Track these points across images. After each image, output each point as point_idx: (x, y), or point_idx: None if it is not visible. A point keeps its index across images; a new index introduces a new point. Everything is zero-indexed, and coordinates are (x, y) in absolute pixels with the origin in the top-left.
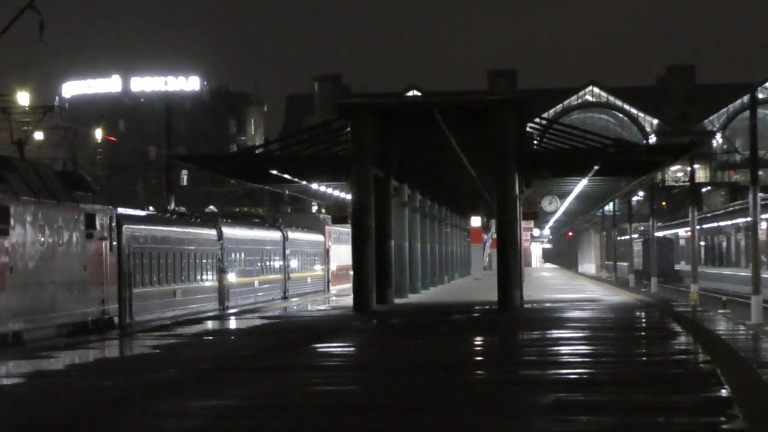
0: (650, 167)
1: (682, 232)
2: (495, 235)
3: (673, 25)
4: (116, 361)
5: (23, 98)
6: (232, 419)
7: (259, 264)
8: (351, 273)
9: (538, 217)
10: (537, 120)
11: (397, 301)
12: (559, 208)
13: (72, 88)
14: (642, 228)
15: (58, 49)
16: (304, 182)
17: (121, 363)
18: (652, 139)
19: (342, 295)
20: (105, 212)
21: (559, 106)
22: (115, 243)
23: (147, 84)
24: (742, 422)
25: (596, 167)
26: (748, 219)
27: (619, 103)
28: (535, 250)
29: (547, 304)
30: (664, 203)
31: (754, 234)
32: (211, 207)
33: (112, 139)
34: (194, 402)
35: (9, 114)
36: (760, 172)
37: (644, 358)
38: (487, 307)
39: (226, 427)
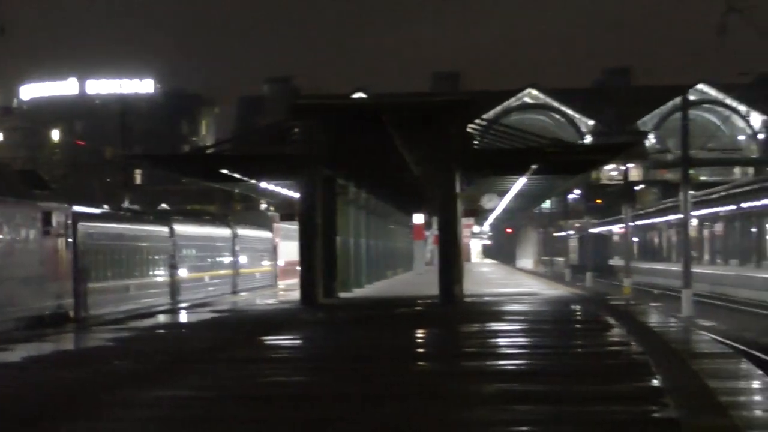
0: (586, 166)
1: (616, 228)
2: (437, 232)
3: (611, 29)
4: (73, 353)
5: None
6: (187, 409)
7: (209, 260)
8: (298, 268)
9: (478, 214)
10: (478, 121)
11: (342, 295)
12: (498, 205)
13: (30, 91)
14: (578, 225)
15: (16, 53)
16: (254, 181)
17: (77, 355)
18: (588, 139)
19: (290, 290)
20: (61, 210)
21: (499, 108)
22: (71, 240)
23: (102, 86)
24: (674, 411)
25: (534, 166)
26: (679, 216)
27: (556, 104)
28: (476, 246)
29: (487, 298)
30: (599, 201)
31: (684, 230)
32: (164, 205)
33: (81, 143)
34: (150, 393)
35: None
36: (691, 171)
37: (580, 350)
38: (429, 300)
39: (181, 416)
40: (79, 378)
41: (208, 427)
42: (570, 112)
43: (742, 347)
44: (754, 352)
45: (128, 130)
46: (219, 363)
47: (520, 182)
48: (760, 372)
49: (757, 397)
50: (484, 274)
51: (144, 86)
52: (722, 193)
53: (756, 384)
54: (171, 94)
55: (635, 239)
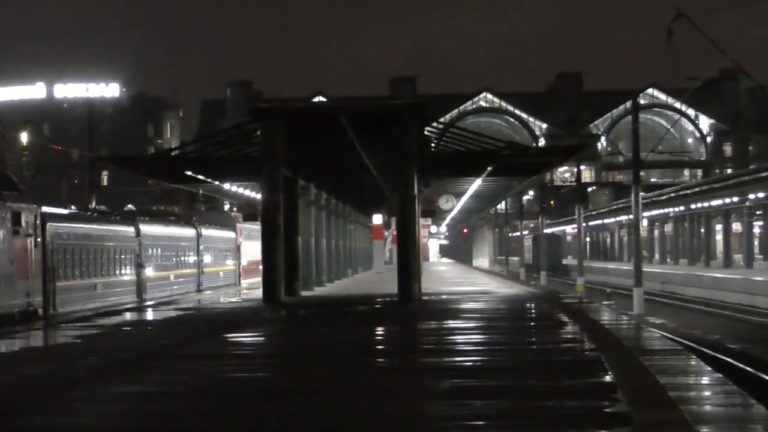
0: (540, 168)
1: (569, 228)
2: (395, 232)
3: (563, 35)
4: (41, 350)
5: None
6: (151, 404)
7: (174, 259)
8: (261, 267)
9: (435, 214)
10: (435, 124)
11: (304, 293)
12: (455, 206)
13: None
14: (532, 225)
15: None
16: (218, 182)
17: (46, 352)
18: (542, 142)
19: (252, 288)
20: (30, 210)
21: (455, 111)
22: (39, 239)
23: (70, 90)
24: (625, 405)
25: (490, 168)
26: (630, 216)
27: (510, 108)
28: (433, 246)
29: (444, 296)
30: (552, 202)
31: (635, 230)
32: (130, 205)
33: (58, 148)
34: (115, 388)
35: None
36: (641, 173)
37: (534, 346)
38: (388, 298)
39: (145, 411)
40: (45, 374)
41: (171, 422)
42: (524, 115)
43: (691, 344)
44: (703, 349)
45: (95, 132)
46: (183, 359)
47: (476, 184)
48: (709, 368)
49: (706, 393)
50: (441, 273)
51: (110, 90)
52: (672, 195)
53: (705, 380)
54: (136, 97)
55: (588, 239)
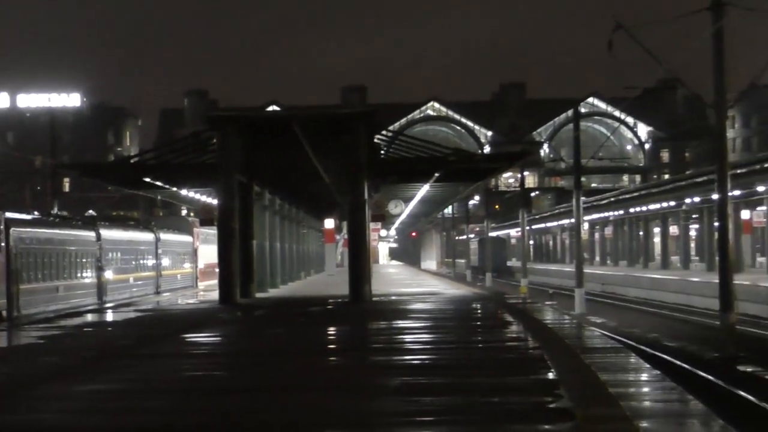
0: (485, 174)
1: (514, 232)
2: (347, 236)
3: (508, 46)
4: (5, 350)
5: None
6: (113, 401)
7: (133, 262)
8: (217, 270)
9: (385, 219)
10: (384, 132)
11: (258, 295)
12: (404, 211)
13: None
14: (478, 228)
15: None
16: (175, 188)
17: (9, 352)
18: (487, 149)
19: (209, 290)
20: None
21: (404, 120)
22: (3, 244)
23: (32, 100)
24: (567, 401)
25: (437, 174)
26: (572, 220)
27: (457, 116)
28: (383, 249)
29: (394, 297)
30: (497, 206)
31: (577, 233)
32: (91, 211)
33: (20, 155)
34: (78, 386)
35: None
36: (582, 179)
37: (480, 345)
38: (339, 300)
39: (106, 408)
40: (9, 374)
41: (132, 418)
42: (470, 123)
43: (630, 342)
44: (642, 347)
45: (57, 140)
46: (142, 358)
47: (424, 189)
48: (648, 365)
49: (645, 389)
50: (390, 275)
51: (71, 100)
52: (612, 199)
53: (644, 377)
54: (97, 107)
55: (531, 242)
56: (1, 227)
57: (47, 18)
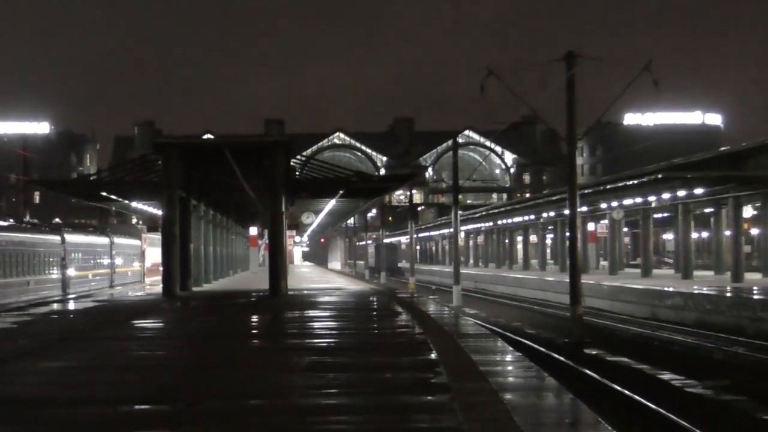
0: (381, 191)
1: (404, 239)
2: (267, 241)
3: (401, 85)
4: None
5: None
6: (70, 376)
7: (92, 261)
8: (161, 268)
9: (299, 227)
10: (299, 156)
11: (195, 289)
12: (314, 221)
13: None
14: (374, 236)
15: None
16: (127, 201)
17: None
18: (382, 171)
19: (154, 285)
20: None
21: (315, 146)
22: None
23: (8, 128)
24: (446, 377)
25: (341, 191)
26: (451, 230)
27: (358, 144)
28: (297, 252)
29: (306, 292)
30: (390, 218)
31: (455, 240)
32: (57, 219)
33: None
34: (42, 364)
35: None
36: (460, 196)
37: (376, 331)
38: (261, 293)
39: (65, 381)
40: None
41: (86, 389)
42: (369, 150)
43: (497, 329)
44: (507, 333)
45: (28, 161)
46: (98, 341)
47: (331, 203)
48: (511, 348)
49: (509, 368)
50: (303, 274)
51: (41, 127)
52: (483, 213)
53: (508, 357)
54: (62, 133)
55: (418, 247)
56: None
57: (23, 54)
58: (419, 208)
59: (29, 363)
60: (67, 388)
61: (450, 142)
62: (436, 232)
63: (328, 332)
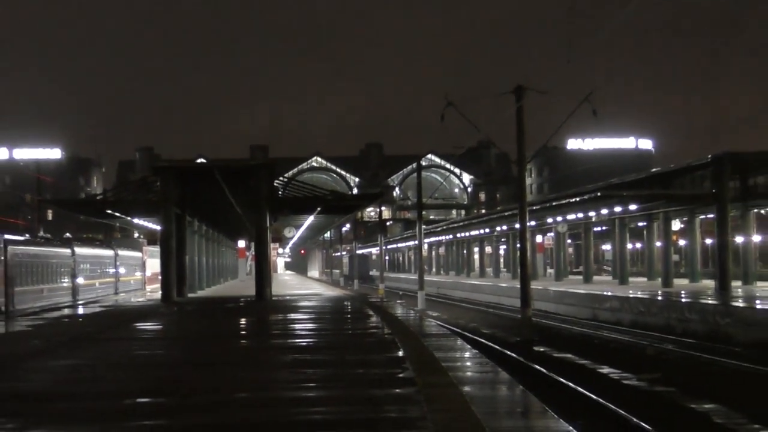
0: (354, 208)
1: (374, 250)
2: (254, 252)
3: (371, 114)
4: (2, 335)
5: None
6: (79, 372)
7: (98, 271)
8: (159, 277)
9: (281, 240)
10: (281, 178)
11: (190, 295)
12: (295, 234)
13: None
14: (348, 248)
15: None
16: (129, 218)
17: (6, 336)
18: (355, 190)
19: (154, 292)
20: None
21: (295, 169)
22: (2, 257)
23: (25, 153)
24: (411, 372)
25: (319, 209)
26: (416, 242)
27: (334, 167)
28: (280, 262)
29: (288, 297)
30: (362, 232)
31: (419, 251)
32: (67, 234)
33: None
34: (54, 362)
35: None
36: (423, 212)
37: (350, 331)
38: (249, 299)
39: (74, 378)
40: (4, 352)
41: (93, 385)
42: (343, 172)
43: (457, 330)
44: (466, 333)
45: (42, 182)
46: (103, 341)
47: (310, 219)
48: (469, 346)
49: (468, 363)
50: (286, 282)
51: (54, 153)
52: (444, 227)
53: (466, 354)
54: (72, 158)
55: (387, 257)
56: (1, 246)
57: (36, 89)
58: (388, 223)
59: (42, 361)
60: (75, 383)
61: (414, 165)
62: (403, 244)
63: (308, 333)
